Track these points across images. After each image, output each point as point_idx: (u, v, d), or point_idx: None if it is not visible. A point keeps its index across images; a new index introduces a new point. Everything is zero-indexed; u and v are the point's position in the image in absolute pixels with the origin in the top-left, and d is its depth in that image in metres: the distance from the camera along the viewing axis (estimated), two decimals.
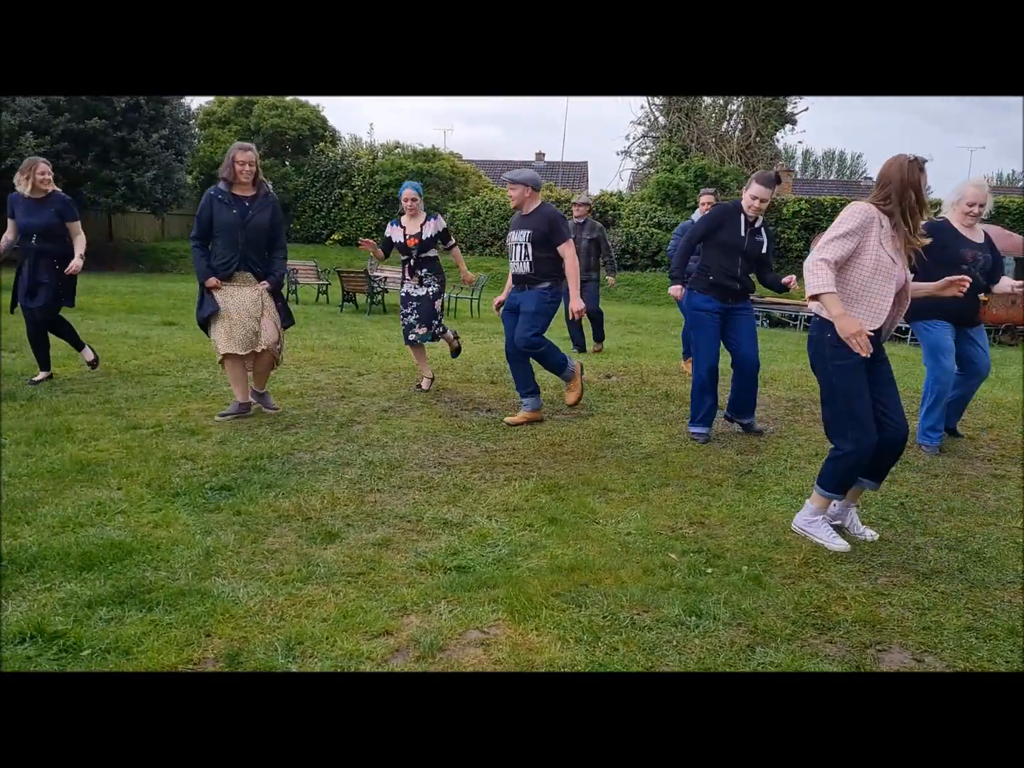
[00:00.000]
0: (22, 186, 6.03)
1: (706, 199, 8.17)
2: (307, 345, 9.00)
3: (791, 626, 2.83)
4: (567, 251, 5.53)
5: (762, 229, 5.34)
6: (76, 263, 6.21)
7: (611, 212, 23.25)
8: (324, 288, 15.80)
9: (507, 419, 5.68)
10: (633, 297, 20.36)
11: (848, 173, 63.49)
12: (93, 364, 6.69)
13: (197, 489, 3.95)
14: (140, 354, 7.69)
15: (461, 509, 3.88)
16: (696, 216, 8.25)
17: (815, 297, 3.31)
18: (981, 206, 5.04)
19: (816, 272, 3.30)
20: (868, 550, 3.58)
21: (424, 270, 6.55)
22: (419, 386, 6.71)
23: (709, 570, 3.27)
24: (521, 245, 5.58)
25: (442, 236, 6.56)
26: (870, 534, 3.72)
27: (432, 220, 6.52)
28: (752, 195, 5.16)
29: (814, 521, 3.68)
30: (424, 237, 6.46)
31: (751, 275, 5.45)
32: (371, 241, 6.60)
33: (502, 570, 3.19)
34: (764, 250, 5.32)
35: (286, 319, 5.55)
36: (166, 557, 3.17)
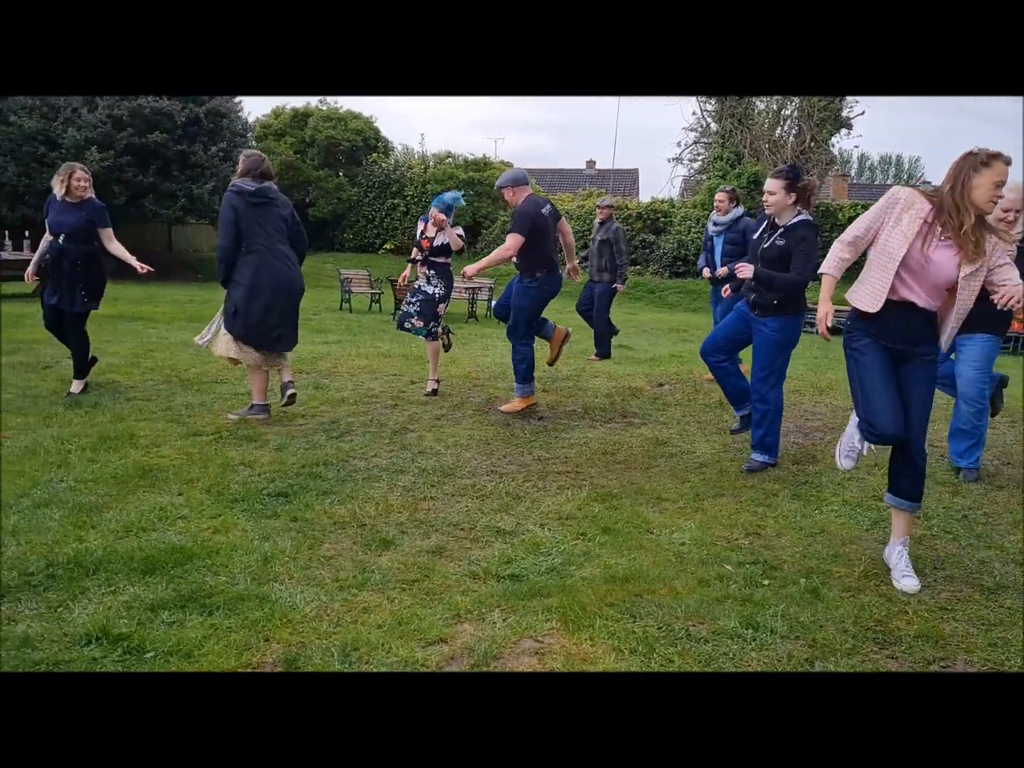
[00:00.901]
0: (58, 189, 6.12)
1: (719, 196, 7.91)
2: (361, 353, 9.11)
3: (851, 640, 2.78)
4: (508, 239, 5.95)
5: (786, 230, 4.70)
6: (139, 264, 6.26)
7: (662, 219, 23.11)
8: (377, 297, 15.97)
9: (503, 407, 6.22)
10: (685, 304, 20.19)
11: (906, 177, 62.14)
12: (71, 395, 6.15)
13: (255, 495, 4.02)
14: (199, 362, 7.86)
15: (514, 517, 3.89)
16: (713, 217, 8.06)
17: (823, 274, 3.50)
18: (1018, 212, 4.54)
19: (829, 253, 3.47)
20: (931, 563, 3.49)
21: (432, 271, 6.80)
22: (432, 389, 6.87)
23: (766, 582, 3.23)
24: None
25: (445, 247, 6.80)
26: (909, 584, 3.25)
27: (449, 230, 6.76)
28: (764, 190, 4.80)
29: (852, 434, 3.58)
30: (436, 244, 6.75)
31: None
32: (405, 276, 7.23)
33: (555, 579, 3.19)
34: (772, 249, 4.70)
35: (226, 321, 5.52)
36: (225, 562, 3.23)
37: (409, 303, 6.88)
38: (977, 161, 3.10)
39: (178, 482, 4.18)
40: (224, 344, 5.56)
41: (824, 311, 3.44)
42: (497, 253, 6.03)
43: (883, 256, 3.27)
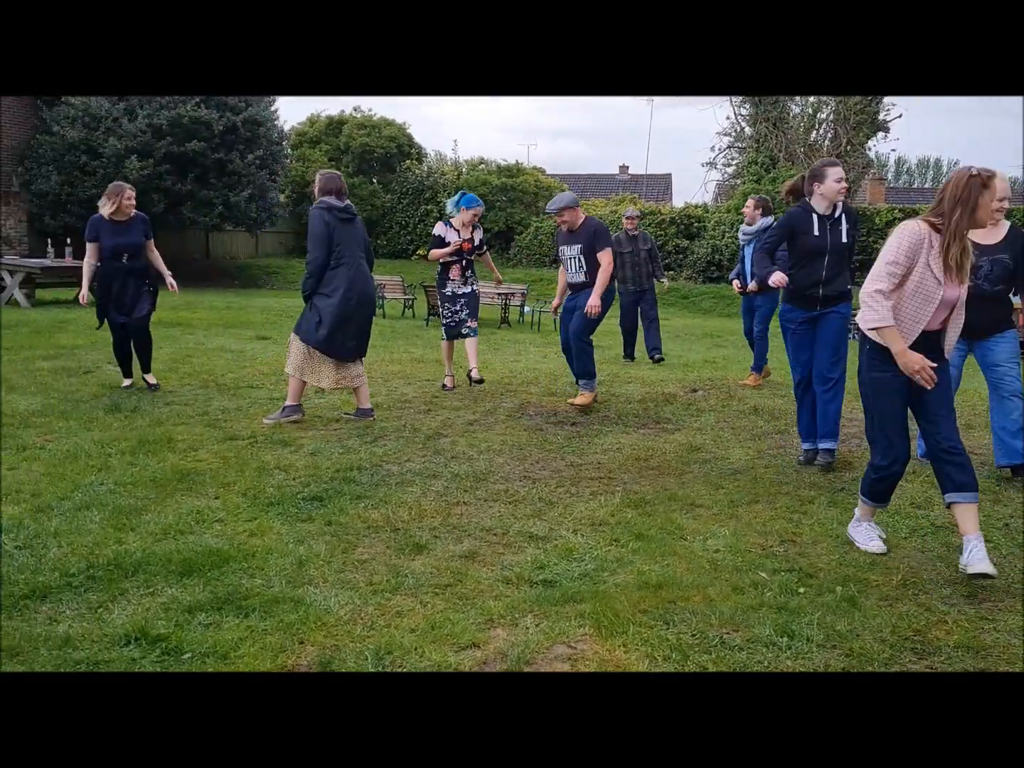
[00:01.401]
0: (108, 209, 6.36)
1: (746, 204, 8.23)
2: (394, 359, 9.16)
3: (889, 650, 2.74)
4: (605, 258, 6.30)
5: (842, 217, 4.90)
6: (172, 282, 6.73)
7: (696, 224, 22.97)
8: (410, 302, 16.05)
9: (570, 401, 6.53)
10: (719, 310, 20.04)
11: (944, 180, 61.05)
12: (154, 387, 6.69)
13: (290, 499, 4.06)
14: (235, 367, 7.96)
15: (547, 523, 3.89)
16: (742, 228, 8.20)
17: (874, 330, 3.37)
18: (1008, 200, 4.47)
19: (873, 306, 3.33)
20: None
21: (469, 271, 7.25)
22: (444, 385, 7.28)
23: (801, 590, 3.19)
24: (575, 258, 6.46)
25: (482, 243, 7.36)
26: (984, 567, 3.30)
27: (478, 228, 7.30)
28: (835, 179, 4.79)
29: (858, 527, 3.74)
30: (475, 243, 7.20)
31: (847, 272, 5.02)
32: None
33: (588, 585, 3.18)
34: (845, 239, 4.88)
35: (306, 331, 5.73)
36: (261, 565, 3.27)
37: (454, 311, 7.16)
38: (979, 183, 3.19)
39: (215, 486, 4.23)
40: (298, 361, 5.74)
41: (920, 361, 3.27)
42: (604, 274, 6.27)
43: (919, 297, 3.32)
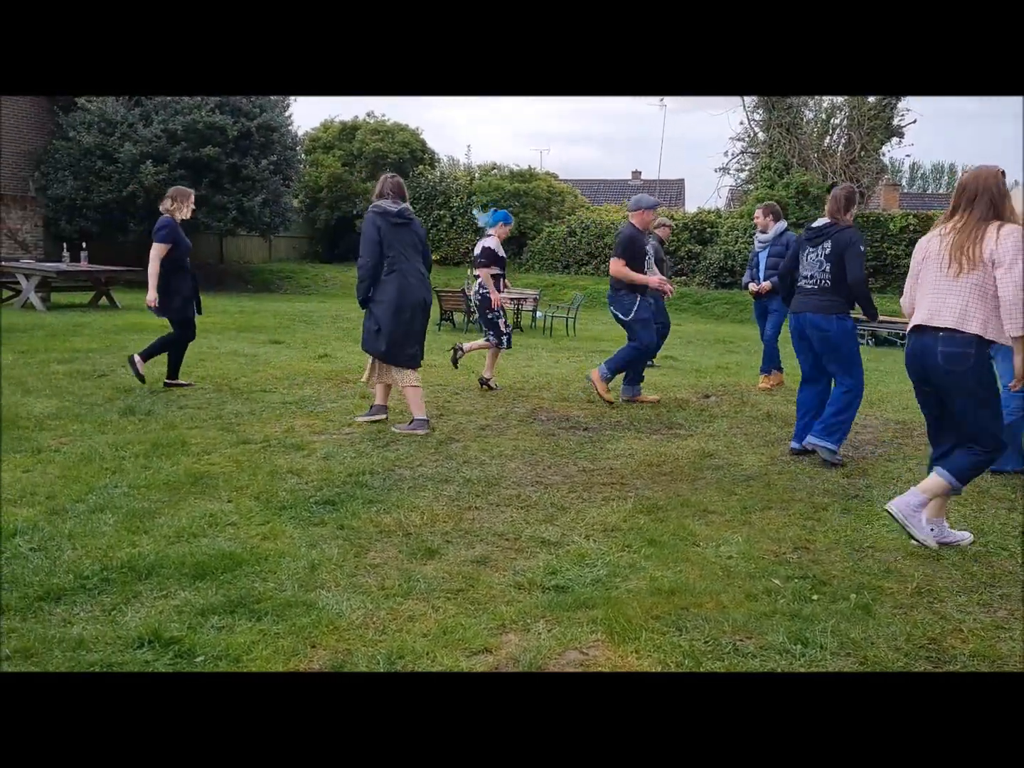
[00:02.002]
0: (182, 212, 6.70)
1: (755, 213, 8.29)
2: None
3: (903, 658, 2.72)
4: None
5: None
6: None
7: (709, 230, 22.91)
8: None
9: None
10: (731, 315, 19.99)
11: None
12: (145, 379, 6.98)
13: (302, 503, 4.07)
14: (249, 371, 7.98)
15: (559, 528, 3.88)
16: (757, 235, 8.18)
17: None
18: None
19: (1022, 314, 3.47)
20: (987, 581, 3.41)
21: None
22: (492, 385, 7.56)
23: (815, 597, 3.17)
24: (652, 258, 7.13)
25: None
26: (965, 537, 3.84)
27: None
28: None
29: (917, 514, 3.68)
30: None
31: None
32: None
33: (601, 591, 3.17)
34: None
35: (367, 340, 5.79)
36: (273, 569, 3.28)
37: (505, 324, 7.56)
38: (1004, 178, 3.63)
39: (228, 489, 4.25)
40: (403, 374, 5.77)
41: None
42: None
43: None
